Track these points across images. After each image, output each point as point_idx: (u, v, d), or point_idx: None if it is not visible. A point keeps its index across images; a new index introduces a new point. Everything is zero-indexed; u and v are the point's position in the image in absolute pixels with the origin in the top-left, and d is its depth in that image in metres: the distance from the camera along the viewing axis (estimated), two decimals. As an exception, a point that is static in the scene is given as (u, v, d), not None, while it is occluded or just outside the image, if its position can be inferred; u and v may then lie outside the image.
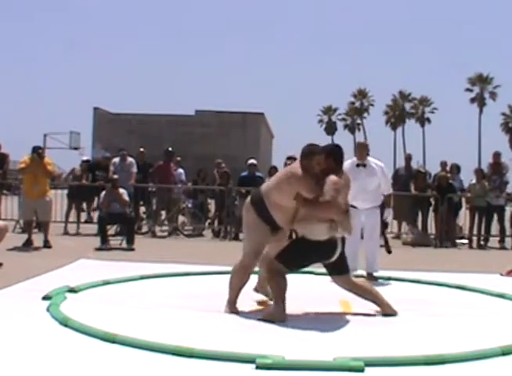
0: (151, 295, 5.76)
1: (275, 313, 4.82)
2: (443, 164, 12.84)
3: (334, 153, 5.14)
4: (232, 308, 5.13)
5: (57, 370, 3.46)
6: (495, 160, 12.44)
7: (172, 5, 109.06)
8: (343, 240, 5.02)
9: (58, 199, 12.09)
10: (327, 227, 4.84)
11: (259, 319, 4.76)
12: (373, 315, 5.14)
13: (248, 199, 5.27)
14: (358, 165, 7.10)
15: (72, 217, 12.55)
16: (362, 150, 7.28)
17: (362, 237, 7.17)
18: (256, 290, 5.56)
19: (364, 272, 7.07)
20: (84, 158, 13.90)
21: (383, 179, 7.21)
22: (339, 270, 5.11)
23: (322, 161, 4.96)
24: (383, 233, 7.74)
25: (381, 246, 7.52)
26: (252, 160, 12.58)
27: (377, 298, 5.15)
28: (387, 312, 5.10)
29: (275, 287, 4.95)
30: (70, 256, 8.21)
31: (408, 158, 13.47)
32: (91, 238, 10.86)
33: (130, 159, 12.40)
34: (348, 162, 6.97)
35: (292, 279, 5.20)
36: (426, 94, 69.09)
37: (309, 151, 5.02)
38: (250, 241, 5.16)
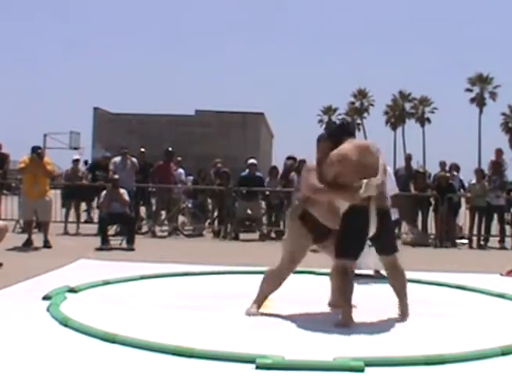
0: (151, 295, 5.76)
1: (342, 320, 4.73)
2: (442, 164, 12.84)
3: (330, 135, 5.10)
4: (255, 311, 5.03)
5: (57, 370, 3.46)
6: (498, 158, 12.45)
7: (172, 6, 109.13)
8: (382, 215, 4.77)
9: (58, 199, 12.08)
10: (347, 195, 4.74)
11: (335, 326, 4.64)
12: (373, 315, 5.14)
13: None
14: None
15: (72, 217, 12.55)
16: None
17: None
18: (329, 305, 5.31)
19: (372, 272, 7.12)
20: (75, 157, 13.89)
21: (388, 180, 7.21)
22: (381, 249, 4.98)
23: (325, 147, 4.95)
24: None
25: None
26: (252, 160, 12.59)
27: (402, 295, 4.97)
28: (403, 312, 4.95)
29: (340, 293, 4.88)
30: (70, 256, 8.21)
31: (408, 158, 13.47)
32: (91, 238, 10.86)
33: (133, 160, 12.38)
34: None
35: (292, 279, 5.21)
36: (426, 94, 69.18)
37: (317, 140, 5.12)
38: (285, 247, 5.09)
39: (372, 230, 4.76)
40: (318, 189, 4.80)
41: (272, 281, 5.10)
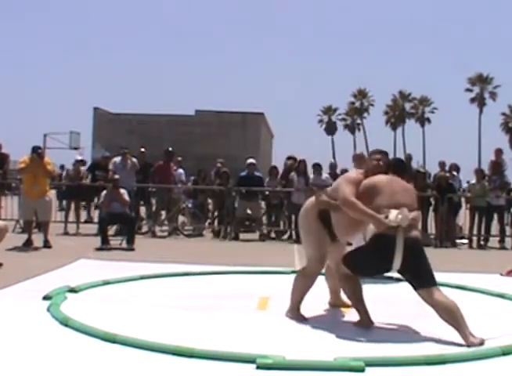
0: (151, 295, 5.76)
1: (360, 320, 4.75)
2: (442, 165, 12.84)
3: (394, 166, 5.09)
4: (295, 314, 4.99)
5: (57, 370, 3.46)
6: (497, 158, 12.45)
7: (172, 5, 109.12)
8: (411, 244, 4.53)
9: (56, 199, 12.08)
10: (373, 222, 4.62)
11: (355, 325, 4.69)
12: (373, 315, 5.14)
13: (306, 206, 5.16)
14: None
15: (72, 217, 12.55)
16: (359, 161, 7.31)
17: None
18: (330, 304, 5.47)
19: None
20: (78, 158, 13.87)
21: None
22: (410, 282, 4.64)
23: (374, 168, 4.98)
24: None
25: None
26: (251, 160, 12.59)
27: (459, 325, 4.38)
28: (468, 343, 4.26)
29: (349, 295, 4.86)
30: (70, 256, 8.20)
31: (408, 158, 13.46)
32: (91, 238, 10.86)
33: (133, 160, 12.38)
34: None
35: (292, 279, 5.20)
36: (426, 94, 69.18)
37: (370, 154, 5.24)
38: (311, 247, 5.06)
39: (397, 262, 4.53)
40: (352, 204, 4.65)
41: (304, 283, 5.06)
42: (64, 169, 16.71)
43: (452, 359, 3.76)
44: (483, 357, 3.84)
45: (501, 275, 7.61)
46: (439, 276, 7.11)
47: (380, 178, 4.79)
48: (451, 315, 4.42)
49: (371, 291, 6.22)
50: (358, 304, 4.77)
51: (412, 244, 4.56)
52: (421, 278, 4.58)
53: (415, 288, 4.61)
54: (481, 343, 4.22)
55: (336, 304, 5.46)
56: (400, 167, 5.05)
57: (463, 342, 4.23)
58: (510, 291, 6.23)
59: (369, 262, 4.70)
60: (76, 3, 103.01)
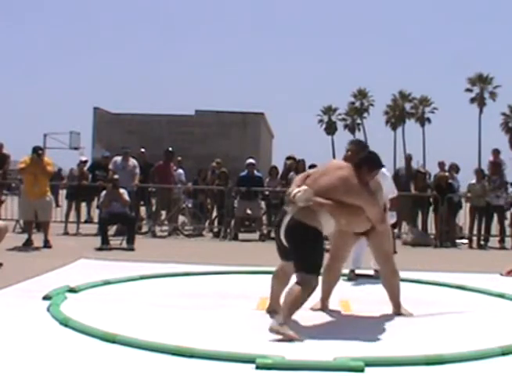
0: (151, 295, 5.76)
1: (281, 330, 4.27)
2: (441, 165, 12.84)
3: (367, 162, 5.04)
4: (319, 306, 5.28)
5: (57, 370, 3.46)
6: (495, 158, 12.46)
7: (172, 5, 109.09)
8: (292, 225, 4.53)
9: (58, 199, 12.08)
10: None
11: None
12: (373, 315, 5.14)
13: None
14: None
15: (72, 217, 12.55)
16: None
17: None
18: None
19: (372, 272, 7.18)
20: (83, 158, 13.87)
21: (386, 183, 7.21)
22: (294, 264, 4.60)
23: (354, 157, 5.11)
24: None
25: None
26: (250, 160, 12.59)
27: (284, 313, 4.31)
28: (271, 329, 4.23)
29: (293, 304, 4.37)
30: (70, 256, 8.21)
31: (408, 159, 13.48)
32: (91, 238, 10.86)
33: (133, 160, 12.37)
34: None
35: (292, 279, 5.19)
36: (426, 94, 69.18)
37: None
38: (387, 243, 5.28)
39: (282, 238, 4.63)
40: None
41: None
42: (62, 172, 16.67)
43: (452, 359, 3.75)
44: (483, 357, 3.83)
45: (501, 275, 7.61)
46: (439, 276, 7.18)
47: (318, 168, 4.95)
48: (289, 304, 4.33)
49: (371, 291, 6.25)
50: (290, 315, 4.40)
51: (294, 225, 4.52)
52: (297, 261, 4.53)
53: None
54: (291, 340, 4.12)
55: (325, 307, 5.35)
56: (365, 160, 4.90)
57: (463, 342, 4.22)
58: (510, 291, 6.23)
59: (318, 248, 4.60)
60: (76, 3, 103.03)
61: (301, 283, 4.40)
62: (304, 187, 4.59)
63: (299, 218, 4.52)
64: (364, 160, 4.87)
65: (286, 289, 4.62)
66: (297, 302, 4.38)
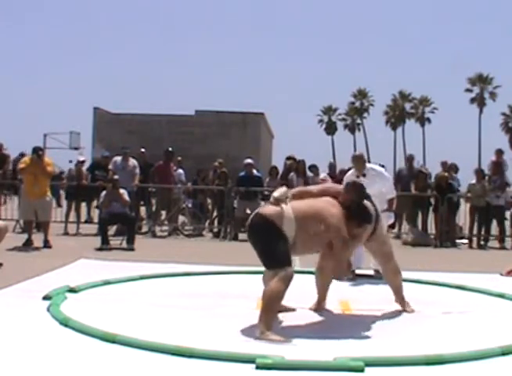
0: (151, 295, 5.76)
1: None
2: (444, 164, 12.84)
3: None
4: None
5: (57, 370, 3.46)
6: (498, 158, 12.46)
7: (172, 5, 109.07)
8: (254, 220, 4.67)
9: (60, 199, 12.08)
10: None
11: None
12: (373, 315, 5.14)
13: None
14: (358, 176, 7.13)
15: (72, 217, 12.54)
16: (358, 162, 7.32)
17: None
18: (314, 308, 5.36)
19: (372, 272, 7.20)
20: (81, 158, 13.88)
21: (385, 184, 7.22)
22: (260, 260, 4.83)
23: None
24: None
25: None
26: (248, 160, 12.59)
27: (263, 313, 4.41)
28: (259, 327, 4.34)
29: (271, 302, 4.45)
30: (70, 256, 8.20)
31: (410, 159, 13.49)
32: (91, 238, 10.86)
33: (133, 160, 12.37)
34: (349, 174, 7.28)
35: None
36: (426, 94, 69.15)
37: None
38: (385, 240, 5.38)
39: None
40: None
41: (399, 277, 5.41)
42: (64, 173, 16.65)
43: (452, 359, 3.75)
44: (483, 357, 3.83)
45: (501, 275, 7.61)
46: (439, 276, 7.18)
47: (323, 186, 5.25)
48: (265, 306, 4.40)
49: (371, 291, 6.25)
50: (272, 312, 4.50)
51: (256, 220, 4.65)
52: (261, 257, 4.74)
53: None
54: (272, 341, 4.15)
55: (322, 308, 5.33)
56: (359, 214, 4.81)
57: (463, 342, 4.22)
58: (510, 291, 6.23)
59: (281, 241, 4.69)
60: (76, 3, 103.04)
61: (277, 277, 4.44)
62: (283, 188, 4.74)
63: (262, 215, 4.61)
64: (357, 213, 4.80)
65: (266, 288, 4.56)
66: (275, 297, 4.43)
